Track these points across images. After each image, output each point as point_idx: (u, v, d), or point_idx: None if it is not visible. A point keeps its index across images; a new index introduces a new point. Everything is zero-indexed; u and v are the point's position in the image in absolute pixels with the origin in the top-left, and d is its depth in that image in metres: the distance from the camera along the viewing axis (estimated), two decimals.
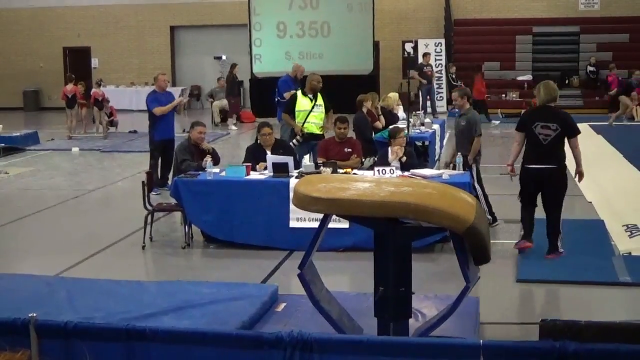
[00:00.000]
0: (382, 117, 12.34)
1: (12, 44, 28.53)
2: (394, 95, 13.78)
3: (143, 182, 8.85)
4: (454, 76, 22.33)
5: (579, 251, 8.03)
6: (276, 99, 13.52)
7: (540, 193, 7.82)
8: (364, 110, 11.75)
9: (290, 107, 11.15)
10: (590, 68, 24.41)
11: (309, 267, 5.21)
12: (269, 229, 8.32)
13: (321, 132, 10.90)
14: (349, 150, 9.67)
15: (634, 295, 6.89)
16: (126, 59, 28.17)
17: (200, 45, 27.91)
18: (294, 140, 10.81)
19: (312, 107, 10.90)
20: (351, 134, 10.67)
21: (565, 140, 7.67)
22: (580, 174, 7.95)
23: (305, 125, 10.85)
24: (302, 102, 10.98)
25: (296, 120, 10.92)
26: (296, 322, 5.71)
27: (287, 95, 12.81)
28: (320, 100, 10.97)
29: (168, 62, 28.11)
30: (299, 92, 11.20)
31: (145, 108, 11.87)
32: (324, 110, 11.00)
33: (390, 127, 10.64)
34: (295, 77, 13.25)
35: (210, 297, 6.13)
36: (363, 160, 9.90)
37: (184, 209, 8.50)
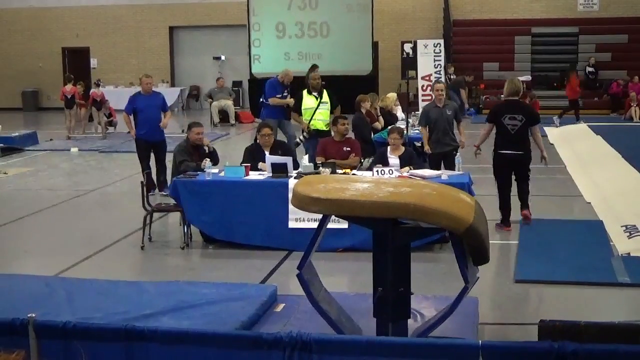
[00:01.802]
0: (381, 118, 12.36)
1: (11, 44, 28.49)
2: (392, 96, 13.78)
3: (142, 182, 8.86)
4: (452, 77, 22.30)
5: (577, 252, 8.05)
6: (261, 100, 13.51)
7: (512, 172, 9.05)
8: (363, 110, 11.76)
9: (297, 106, 11.73)
10: (589, 69, 24.38)
11: (308, 268, 5.22)
12: (268, 229, 8.32)
13: (327, 129, 11.19)
14: (348, 149, 9.68)
15: (632, 295, 6.89)
16: (125, 59, 28.13)
17: (200, 45, 27.89)
18: (301, 136, 11.43)
19: (318, 105, 11.39)
20: (350, 134, 10.71)
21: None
22: (544, 158, 9.16)
23: (312, 122, 11.34)
24: (308, 101, 11.50)
25: (303, 118, 11.45)
26: (295, 322, 5.71)
27: (272, 101, 12.80)
28: (325, 98, 11.48)
29: (167, 62, 28.10)
30: (304, 92, 11.64)
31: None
32: (329, 108, 11.45)
33: (390, 127, 10.66)
34: (283, 82, 13.20)
35: (209, 297, 6.13)
36: (362, 160, 9.92)
37: (183, 210, 8.50)
